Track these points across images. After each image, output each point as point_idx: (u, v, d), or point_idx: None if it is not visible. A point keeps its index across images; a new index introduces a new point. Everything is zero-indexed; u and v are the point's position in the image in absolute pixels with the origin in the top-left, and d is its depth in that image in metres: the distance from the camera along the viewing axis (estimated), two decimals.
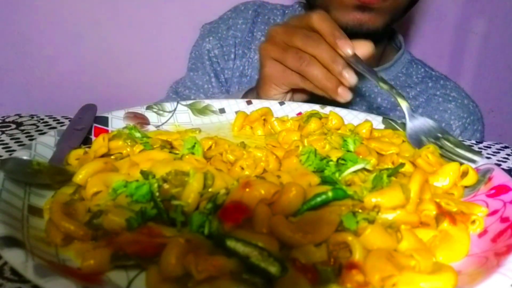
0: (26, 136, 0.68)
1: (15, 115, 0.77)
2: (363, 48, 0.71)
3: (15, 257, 0.30)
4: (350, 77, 0.68)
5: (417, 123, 0.60)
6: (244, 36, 1.07)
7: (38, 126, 0.72)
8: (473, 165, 0.50)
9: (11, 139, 0.66)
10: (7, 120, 0.76)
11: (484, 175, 0.51)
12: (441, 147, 0.53)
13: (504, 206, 0.44)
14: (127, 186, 0.41)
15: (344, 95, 0.69)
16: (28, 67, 1.32)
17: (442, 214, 0.43)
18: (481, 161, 0.51)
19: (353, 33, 0.85)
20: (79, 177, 0.44)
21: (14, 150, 0.62)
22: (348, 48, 0.67)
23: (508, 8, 1.39)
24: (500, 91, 1.44)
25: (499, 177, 0.49)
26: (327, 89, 0.69)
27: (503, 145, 0.75)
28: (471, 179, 0.50)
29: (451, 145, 0.53)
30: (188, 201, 0.39)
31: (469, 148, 0.53)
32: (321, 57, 0.68)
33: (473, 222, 0.44)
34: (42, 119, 0.76)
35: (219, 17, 1.12)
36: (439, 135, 0.55)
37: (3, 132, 0.69)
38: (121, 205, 0.39)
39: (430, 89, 1.02)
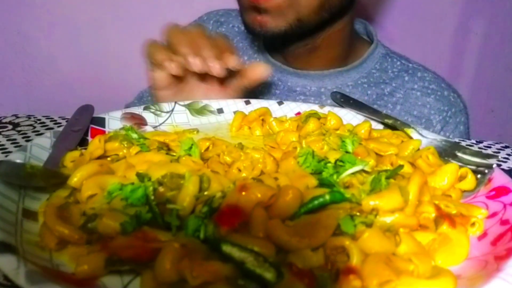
0: (23, 137, 0.67)
1: (12, 115, 0.77)
2: (255, 71, 0.71)
3: (6, 263, 0.30)
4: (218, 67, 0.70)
5: (430, 145, 0.59)
6: None
7: (35, 127, 0.72)
8: (491, 171, 0.49)
9: (7, 140, 0.66)
10: (3, 120, 0.75)
11: (484, 176, 0.50)
12: (459, 161, 0.53)
13: (504, 208, 0.44)
14: (122, 189, 0.40)
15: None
16: (28, 67, 1.32)
17: (441, 216, 0.42)
18: (495, 163, 0.50)
19: (265, 37, 0.88)
20: (74, 180, 0.43)
21: (10, 152, 0.61)
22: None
23: (508, 8, 1.38)
24: (500, 91, 1.43)
25: (499, 178, 0.49)
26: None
27: (503, 145, 0.74)
28: (469, 183, 0.49)
29: (468, 157, 0.53)
30: (183, 205, 0.39)
31: (484, 155, 0.52)
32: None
33: (473, 224, 0.43)
34: (39, 119, 0.76)
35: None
36: (456, 152, 0.55)
37: None
38: (116, 209, 0.39)
39: (407, 83, 0.96)
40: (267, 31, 0.82)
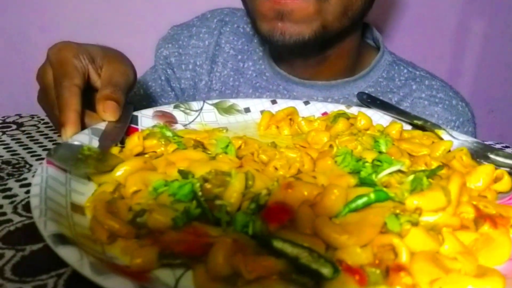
0: (27, 137, 0.68)
1: (16, 115, 0.77)
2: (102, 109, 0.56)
3: (70, 255, 0.31)
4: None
5: (461, 146, 0.59)
6: (210, 49, 0.99)
7: (39, 127, 0.72)
8: None
9: (12, 139, 0.67)
10: (7, 120, 0.75)
11: None
12: (492, 163, 0.52)
13: None
14: (168, 185, 0.41)
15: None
16: (28, 67, 1.33)
17: (481, 217, 0.43)
18: None
19: (284, 46, 0.79)
20: (118, 174, 0.44)
21: (15, 150, 0.62)
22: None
23: (508, 8, 1.38)
24: (500, 91, 1.44)
25: None
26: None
27: (503, 145, 0.74)
28: (505, 184, 0.50)
29: (501, 159, 0.53)
30: (231, 201, 0.39)
31: None
32: None
33: None
34: (43, 119, 0.76)
35: (186, 22, 1.04)
36: (488, 154, 0.55)
37: (3, 133, 0.69)
38: (164, 204, 0.40)
39: (415, 92, 0.93)
40: (289, 39, 0.76)
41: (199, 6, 1.11)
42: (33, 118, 0.76)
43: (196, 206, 0.39)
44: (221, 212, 0.38)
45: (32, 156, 0.62)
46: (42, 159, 0.60)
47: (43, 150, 0.64)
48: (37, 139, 0.68)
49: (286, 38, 0.76)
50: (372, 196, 0.39)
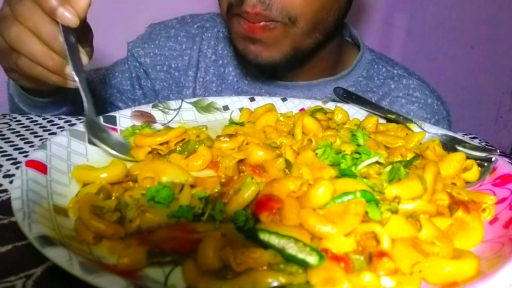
0: None
1: None
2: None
3: (58, 256, 0.31)
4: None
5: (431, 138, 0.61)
6: (193, 55, 1.00)
7: (10, 125, 0.70)
8: (495, 161, 0.53)
9: None
10: None
11: (488, 165, 0.53)
12: None
13: (511, 194, 0.47)
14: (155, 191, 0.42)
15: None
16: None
17: (455, 203, 0.45)
18: (494, 156, 0.53)
19: (257, 66, 0.84)
20: (102, 176, 0.45)
21: None
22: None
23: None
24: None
25: (503, 167, 0.52)
26: (48, 67, 0.58)
27: (471, 136, 0.76)
28: (474, 174, 0.52)
29: (468, 151, 0.55)
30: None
31: (484, 148, 0.55)
32: (38, 30, 0.56)
33: (484, 210, 0.46)
34: (15, 117, 0.74)
35: (165, 22, 1.05)
36: (456, 145, 0.57)
37: None
38: (157, 204, 0.40)
39: (393, 91, 0.96)
40: (261, 61, 0.80)
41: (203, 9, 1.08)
42: (5, 116, 0.74)
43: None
44: (215, 211, 0.38)
45: (2, 156, 0.60)
46: (14, 159, 0.58)
47: (15, 149, 0.62)
48: (8, 138, 0.66)
49: (259, 59, 0.81)
50: (359, 195, 0.40)
